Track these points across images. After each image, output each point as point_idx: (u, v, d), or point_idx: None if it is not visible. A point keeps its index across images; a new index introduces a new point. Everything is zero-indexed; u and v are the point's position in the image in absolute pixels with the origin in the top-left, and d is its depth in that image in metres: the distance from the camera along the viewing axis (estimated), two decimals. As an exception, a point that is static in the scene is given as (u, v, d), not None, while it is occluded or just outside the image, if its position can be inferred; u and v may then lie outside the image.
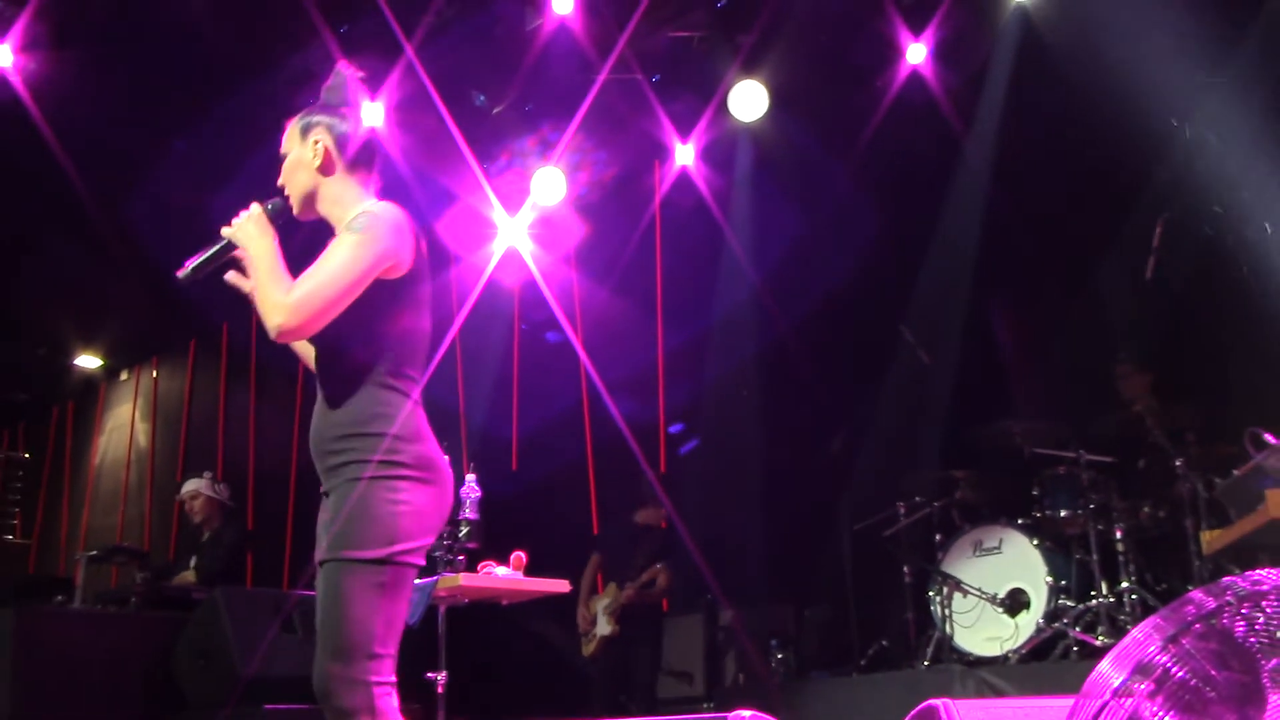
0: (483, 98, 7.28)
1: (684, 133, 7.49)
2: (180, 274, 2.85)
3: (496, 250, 8.07)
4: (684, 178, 7.68)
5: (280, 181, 2.91)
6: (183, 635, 5.10)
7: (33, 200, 7.68)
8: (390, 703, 2.59)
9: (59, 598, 5.56)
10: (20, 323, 9.90)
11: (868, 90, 7.00)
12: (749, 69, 6.98)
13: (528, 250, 8.10)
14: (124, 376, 11.53)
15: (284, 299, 2.62)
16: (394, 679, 2.62)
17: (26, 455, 10.86)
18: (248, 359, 9.70)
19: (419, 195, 7.67)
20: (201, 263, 2.84)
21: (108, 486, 11.31)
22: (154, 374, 11.14)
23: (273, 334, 2.63)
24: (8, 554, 7.79)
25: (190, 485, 6.81)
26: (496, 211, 7.89)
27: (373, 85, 6.96)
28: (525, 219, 8.01)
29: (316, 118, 2.93)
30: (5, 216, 7.90)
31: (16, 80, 6.52)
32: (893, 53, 6.80)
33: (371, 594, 2.57)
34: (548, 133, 7.42)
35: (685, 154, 7.59)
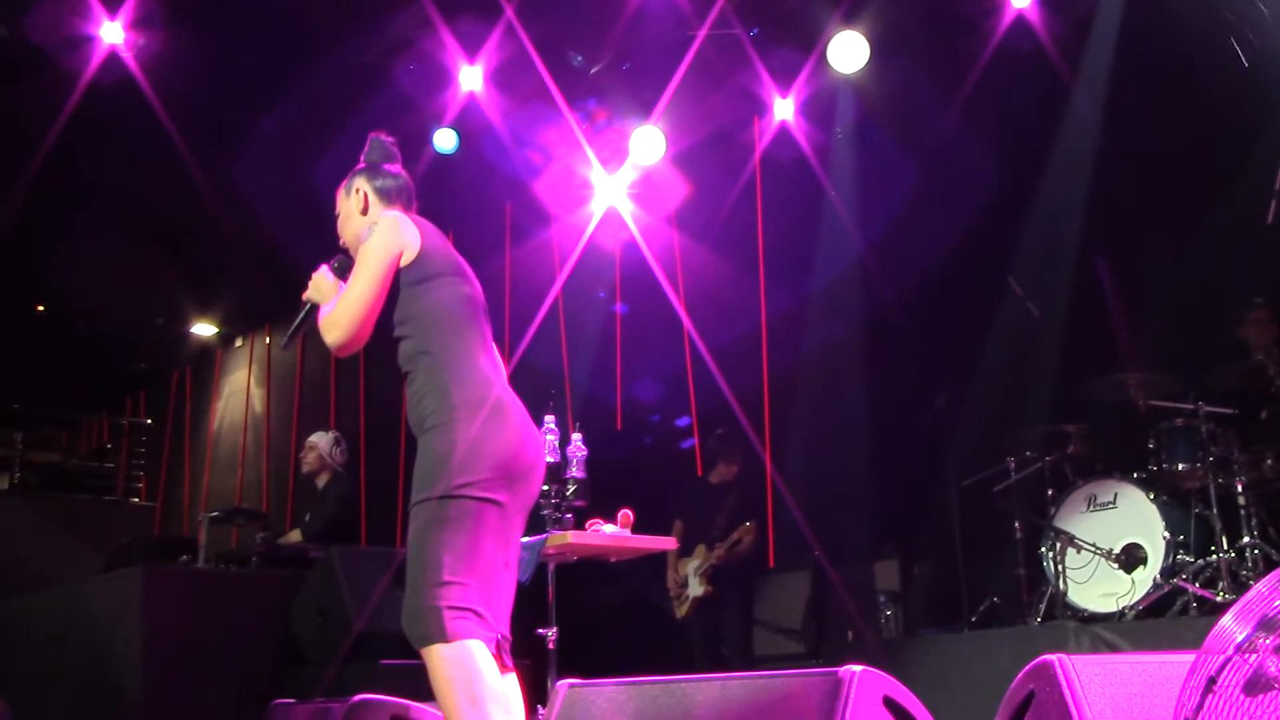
0: (580, 58, 7.27)
1: (784, 87, 7.40)
2: (283, 345, 3.65)
3: (596, 210, 8.08)
4: (784, 133, 7.59)
5: (341, 240, 3.39)
6: (300, 593, 5.23)
7: (147, 174, 7.90)
8: (466, 626, 2.78)
9: (184, 557, 5.74)
10: (138, 293, 10.21)
11: (971, 38, 6.82)
12: (849, 19, 6.85)
13: (628, 210, 8.09)
14: (239, 343, 11.84)
15: (330, 318, 3.10)
16: (472, 607, 2.80)
17: (149, 421, 11.24)
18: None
19: (517, 157, 7.71)
20: (294, 330, 3.42)
21: (226, 450, 11.65)
22: (267, 340, 11.42)
23: (333, 350, 3.14)
24: (134, 515, 8.06)
25: (314, 437, 6.99)
26: (595, 171, 7.89)
27: (471, 48, 7.00)
28: (625, 178, 8.00)
29: (355, 178, 3.41)
30: (120, 191, 8.14)
31: (128, 56, 6.68)
32: (996, -5, 6.62)
33: (435, 528, 2.85)
34: (646, 91, 7.38)
35: (785, 109, 7.50)
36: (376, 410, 9.51)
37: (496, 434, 2.96)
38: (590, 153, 7.69)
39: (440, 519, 2.85)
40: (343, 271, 3.25)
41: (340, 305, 3.07)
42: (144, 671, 4.82)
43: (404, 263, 3.10)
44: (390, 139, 3.51)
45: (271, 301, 10.69)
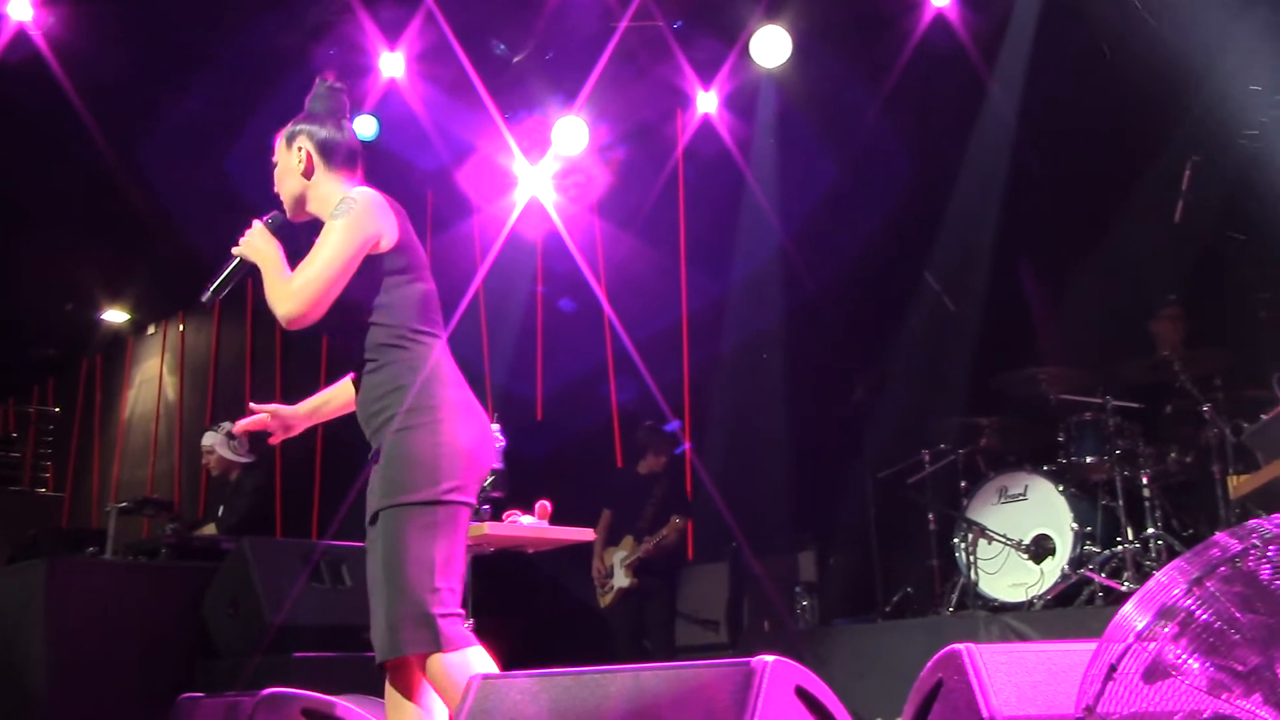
0: (503, 46, 7.23)
1: (706, 80, 7.43)
2: (204, 298, 3.17)
3: (518, 201, 8.04)
4: (707, 126, 7.62)
5: (275, 190, 3.16)
6: (212, 585, 5.15)
7: (56, 156, 7.70)
8: (457, 629, 2.77)
9: (90, 549, 5.62)
10: (47, 278, 9.96)
11: (892, 35, 6.90)
12: (771, 14, 6.89)
13: (550, 201, 8.07)
14: (151, 331, 11.61)
15: (287, 288, 2.89)
16: (459, 610, 2.80)
17: (57, 409, 10.98)
18: (271, 311, 9.75)
19: (439, 146, 7.64)
20: (220, 284, 3.13)
21: (137, 440, 11.42)
22: (180, 328, 11.21)
23: (283, 322, 2.89)
24: (40, 506, 7.88)
25: (206, 440, 6.85)
26: (518, 162, 7.86)
27: (392, 35, 6.92)
28: (547, 169, 7.97)
29: (299, 127, 3.15)
30: (29, 172, 7.93)
31: (37, 34, 6.51)
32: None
33: (426, 534, 2.77)
34: (568, 81, 7.36)
35: (708, 102, 7.52)
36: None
37: (473, 437, 2.90)
38: (512, 142, 7.65)
39: (429, 524, 2.78)
40: (278, 227, 3.07)
41: (301, 278, 2.87)
42: (48, 666, 4.71)
43: (381, 249, 2.93)
44: (339, 85, 3.26)
45: (185, 288, 10.48)
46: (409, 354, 2.92)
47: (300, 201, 3.10)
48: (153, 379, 11.34)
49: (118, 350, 11.96)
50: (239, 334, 10.31)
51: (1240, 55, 5.64)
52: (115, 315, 11.46)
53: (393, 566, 2.76)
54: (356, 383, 3.02)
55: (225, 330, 10.60)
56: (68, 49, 6.62)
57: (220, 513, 6.67)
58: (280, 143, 3.16)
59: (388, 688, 2.90)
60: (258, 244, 3.02)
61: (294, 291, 2.87)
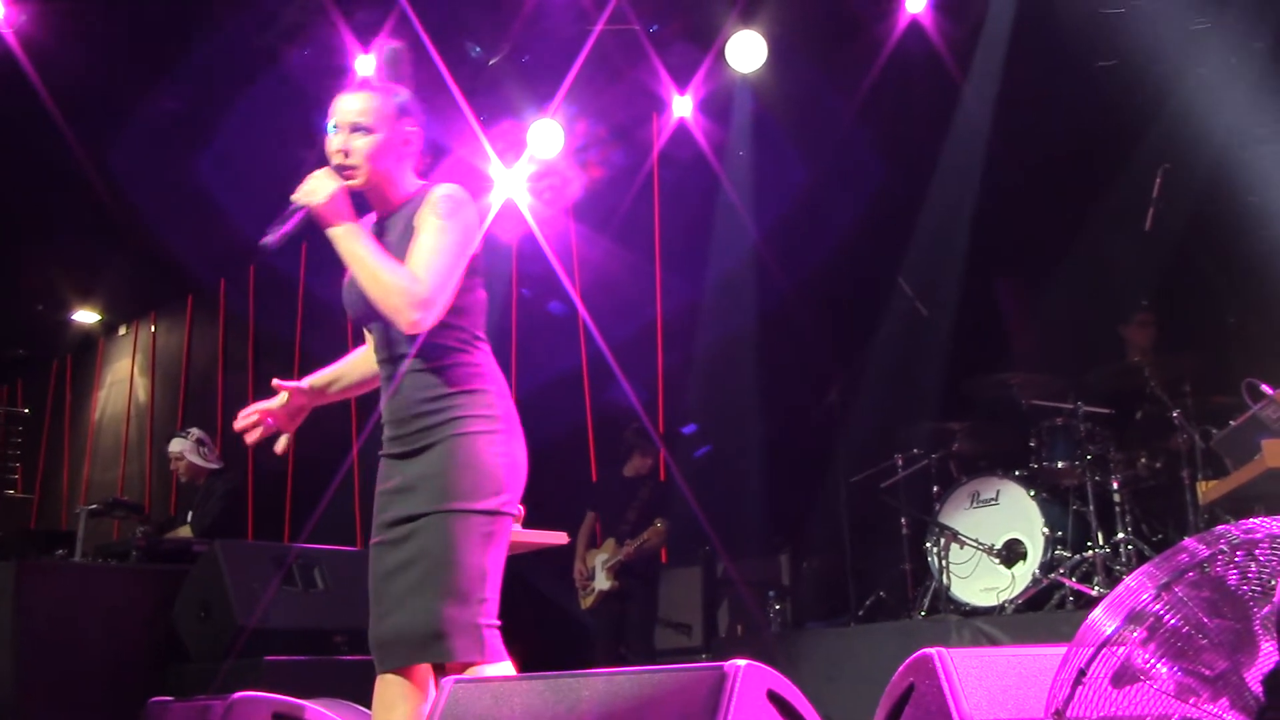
0: (478, 49, 7.22)
1: (682, 84, 7.44)
2: (272, 245, 2.83)
3: (494, 204, 8.03)
4: (682, 130, 7.63)
5: (344, 148, 2.84)
6: (183, 588, 5.12)
7: (27, 156, 7.64)
8: (496, 640, 2.73)
9: (60, 551, 5.58)
10: (17, 278, 9.88)
11: (867, 41, 6.94)
12: (746, 19, 6.91)
13: (525, 203, 8.06)
14: (122, 331, 11.53)
15: (417, 291, 2.68)
16: (499, 621, 2.75)
17: (26, 410, 10.88)
18: (246, 313, 9.69)
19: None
20: (286, 234, 2.82)
21: (108, 441, 11.34)
22: (152, 329, 11.14)
23: (408, 327, 2.70)
24: (9, 508, 7.79)
25: (174, 446, 6.81)
26: (493, 164, 7.85)
27: (366, 37, 6.90)
28: (522, 172, 7.96)
29: (410, 104, 2.95)
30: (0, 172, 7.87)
31: (7, 32, 6.46)
32: (892, 2, 6.74)
33: (481, 543, 2.71)
34: (544, 84, 7.36)
35: (683, 106, 7.54)
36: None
37: (524, 453, 2.89)
38: (487, 145, 7.64)
39: (486, 534, 2.72)
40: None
41: (432, 280, 2.68)
42: (17, 669, 4.66)
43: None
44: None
45: (157, 289, 10.43)
46: (472, 360, 2.84)
47: (387, 179, 2.88)
48: (124, 380, 11.27)
49: (88, 351, 11.87)
50: (211, 336, 10.25)
51: (1209, 65, 5.69)
52: (86, 316, 11.37)
53: (444, 571, 2.69)
54: (383, 375, 2.90)
55: (197, 332, 10.54)
56: (39, 48, 6.58)
57: (191, 517, 6.63)
58: (383, 107, 2.88)
59: (380, 690, 2.81)
60: (326, 192, 2.77)
61: (428, 297, 2.68)
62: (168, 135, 7.20)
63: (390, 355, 2.86)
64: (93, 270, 10.18)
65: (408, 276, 2.69)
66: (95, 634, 4.91)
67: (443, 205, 2.79)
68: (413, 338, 2.78)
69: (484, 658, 2.69)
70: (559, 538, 4.85)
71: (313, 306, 9.09)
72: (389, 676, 2.78)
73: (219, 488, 6.66)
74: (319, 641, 5.08)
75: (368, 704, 3.32)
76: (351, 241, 2.76)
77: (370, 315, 2.84)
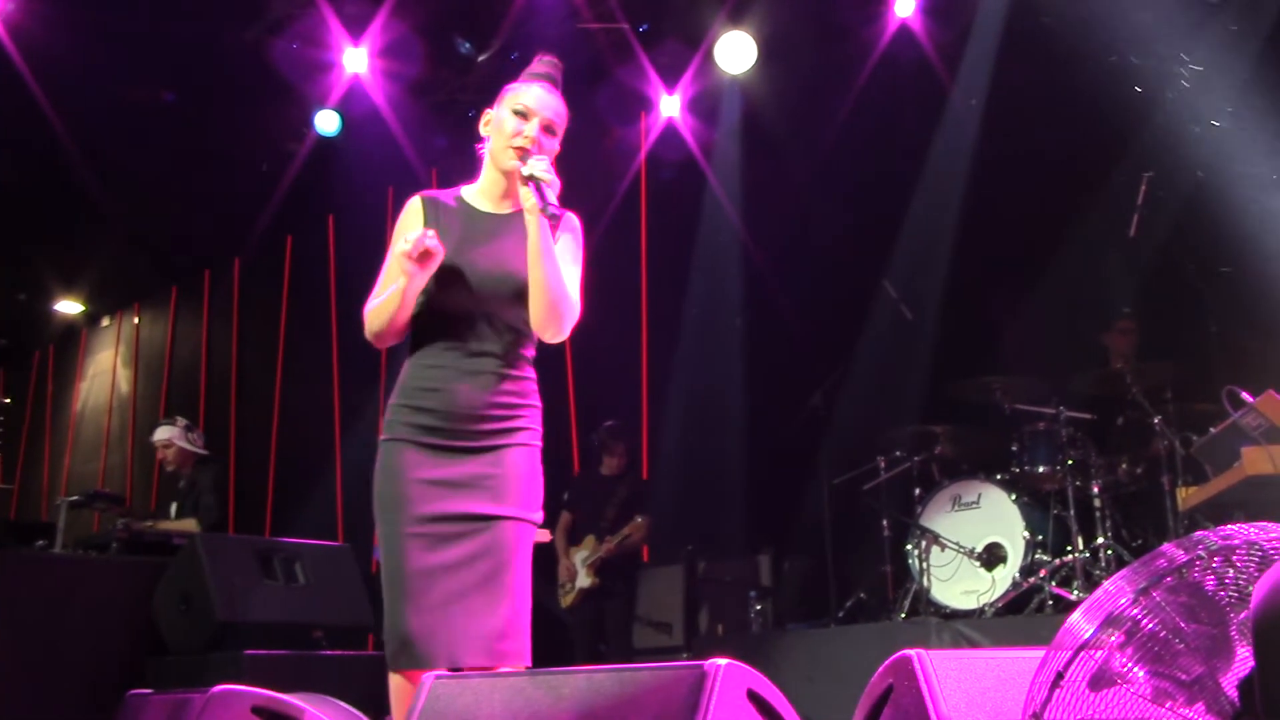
0: (468, 45, 7.21)
1: (670, 84, 7.45)
2: (548, 211, 2.83)
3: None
4: (671, 130, 7.64)
5: (538, 141, 2.93)
6: (163, 581, 5.11)
7: (11, 145, 7.61)
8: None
9: (40, 543, 5.56)
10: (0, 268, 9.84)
11: (856, 44, 6.95)
12: (736, 20, 6.92)
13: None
14: (105, 322, 11.48)
15: (577, 310, 2.91)
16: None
17: (7, 400, 10.84)
18: (230, 306, 9.66)
19: (403, 142, 7.61)
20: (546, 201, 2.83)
21: (89, 433, 11.29)
22: (135, 320, 11.09)
23: (554, 336, 2.88)
24: (-12, 499, 7.78)
25: (162, 434, 6.78)
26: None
27: (356, 31, 6.89)
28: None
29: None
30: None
31: (-4, 23, 6.44)
32: (881, 5, 6.76)
33: (528, 553, 2.86)
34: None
35: (671, 105, 7.54)
36: (249, 394, 9.32)
37: None
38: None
39: (530, 544, 2.87)
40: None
41: (572, 293, 2.88)
42: (-5, 660, 4.66)
43: None
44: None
45: (141, 280, 10.39)
46: (534, 375, 2.95)
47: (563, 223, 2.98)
48: (106, 371, 11.22)
49: (71, 342, 11.82)
50: (195, 327, 10.21)
51: (1195, 72, 5.72)
52: (69, 306, 11.32)
53: (520, 578, 2.79)
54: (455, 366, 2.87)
55: (181, 323, 10.50)
56: (26, 37, 6.55)
57: (177, 509, 6.61)
58: (566, 117, 3.04)
59: (405, 687, 2.77)
60: (545, 174, 2.84)
61: (570, 309, 2.88)
62: (153, 126, 7.18)
63: (476, 350, 2.86)
64: (76, 261, 10.14)
65: (575, 294, 2.89)
66: (74, 626, 4.90)
67: (572, 223, 2.98)
68: (505, 341, 2.87)
69: (530, 662, 2.78)
70: (542, 535, 4.86)
71: (297, 298, 9.06)
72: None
73: (207, 480, 6.65)
74: (299, 636, 5.08)
75: (348, 699, 3.33)
76: (548, 236, 2.84)
77: (504, 303, 2.86)
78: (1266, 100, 5.41)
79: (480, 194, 3.02)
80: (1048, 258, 6.61)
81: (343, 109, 7.48)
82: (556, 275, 2.83)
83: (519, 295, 2.86)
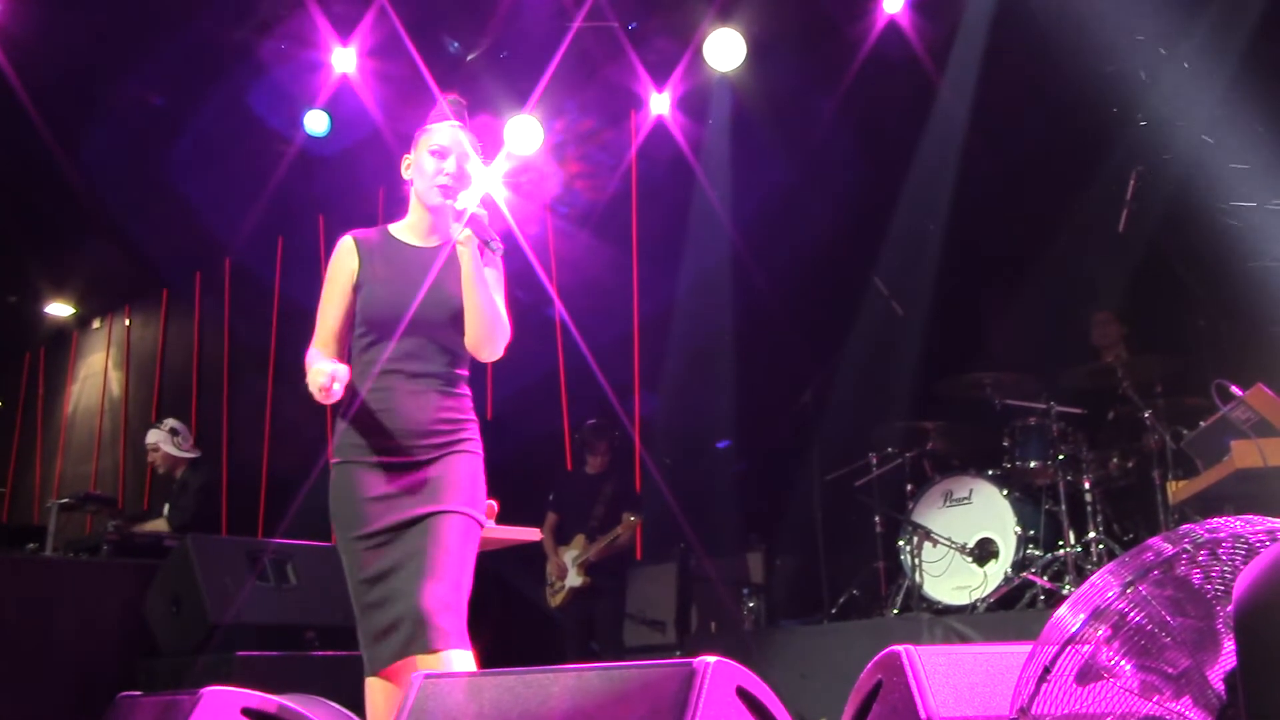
0: (457, 44, 7.21)
1: (660, 82, 7.44)
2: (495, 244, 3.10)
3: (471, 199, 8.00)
4: (660, 127, 7.63)
5: (462, 174, 3.22)
6: (155, 583, 5.11)
7: (2, 148, 7.59)
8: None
9: (31, 545, 5.55)
10: (-10, 270, 9.82)
11: (845, 41, 6.95)
12: (725, 18, 6.92)
13: (503, 200, 8.04)
14: (96, 325, 11.45)
15: (507, 323, 3.11)
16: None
17: (-1, 403, 10.82)
18: (221, 308, 9.64)
19: (391, 142, 7.60)
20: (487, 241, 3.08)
21: (81, 435, 11.27)
22: (126, 322, 11.07)
23: (490, 356, 3.09)
24: (-20, 502, 7.76)
25: (150, 437, 6.78)
26: (471, 160, 7.82)
27: (344, 30, 6.88)
28: (500, 168, 7.95)
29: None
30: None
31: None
32: (870, 2, 6.76)
33: (472, 548, 3.00)
34: (522, 80, 7.35)
35: (661, 103, 7.54)
36: (241, 396, 9.30)
37: None
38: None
39: (473, 538, 3.01)
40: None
41: (503, 316, 3.10)
42: (-13, 663, 4.65)
43: None
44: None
45: (132, 282, 10.36)
46: (470, 393, 3.13)
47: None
48: (97, 374, 11.19)
49: (62, 344, 11.79)
50: (186, 329, 10.19)
51: (1182, 69, 5.73)
52: (60, 309, 11.29)
53: (454, 562, 2.91)
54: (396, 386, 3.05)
55: (172, 326, 10.47)
56: (13, 39, 6.53)
57: (167, 510, 6.61)
58: (469, 140, 3.24)
59: (377, 686, 2.96)
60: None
61: (503, 332, 3.09)
62: (143, 128, 7.16)
63: (418, 372, 3.04)
64: (67, 263, 10.11)
65: (505, 316, 3.09)
66: (66, 628, 4.89)
67: (495, 255, 3.12)
68: (443, 362, 3.05)
69: (466, 646, 2.88)
70: (531, 534, 4.85)
71: (288, 301, 9.05)
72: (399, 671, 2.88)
73: (194, 482, 6.64)
74: (291, 637, 5.07)
75: (339, 700, 3.33)
76: (480, 265, 3.05)
77: (441, 328, 3.04)
78: (1252, 96, 5.42)
79: (409, 229, 3.24)
80: (1037, 253, 6.62)
81: (331, 109, 7.47)
82: (490, 300, 3.05)
83: (454, 320, 3.06)
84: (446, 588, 2.87)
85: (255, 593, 5.02)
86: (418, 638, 2.81)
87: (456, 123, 3.25)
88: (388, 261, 3.12)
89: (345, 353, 3.11)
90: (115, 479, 10.45)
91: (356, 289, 3.09)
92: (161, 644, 5.02)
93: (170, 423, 6.86)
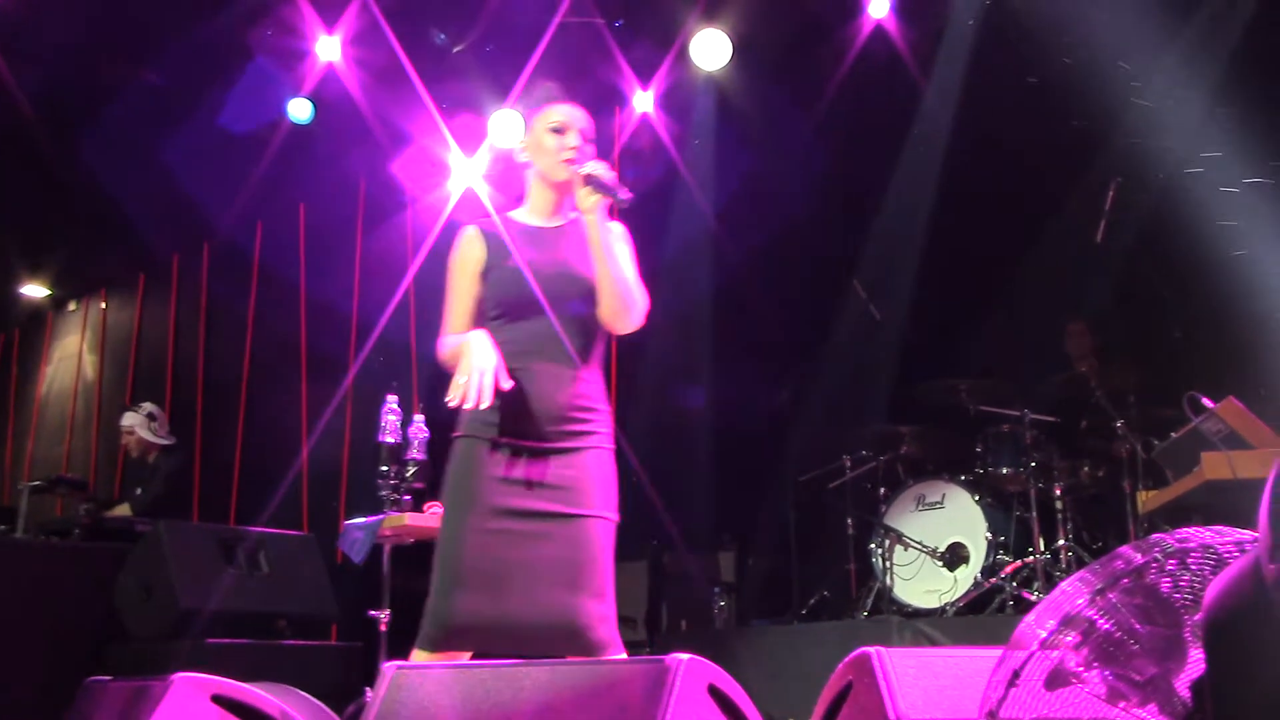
0: (443, 36, 7.19)
1: (645, 80, 7.45)
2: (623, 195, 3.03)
3: (453, 192, 8.00)
4: (644, 126, 7.63)
5: (583, 152, 3.17)
6: (125, 567, 5.08)
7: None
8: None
9: (2, 527, 5.51)
10: (-37, 250, 9.73)
11: (830, 44, 6.97)
12: (711, 17, 6.93)
13: (485, 193, 8.03)
14: (72, 307, 11.36)
15: (643, 291, 3.05)
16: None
17: (-31, 384, 10.73)
18: (198, 293, 9.58)
19: (376, 132, 7.58)
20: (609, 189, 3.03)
21: (53, 418, 11.18)
22: (102, 305, 10.99)
23: (628, 328, 3.03)
24: (-51, 483, 7.70)
25: (126, 420, 6.75)
26: (453, 152, 7.81)
27: (330, 19, 6.85)
28: (482, 161, 7.93)
29: None
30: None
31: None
32: (856, 5, 6.78)
33: (611, 552, 3.01)
34: (506, 74, 7.33)
35: (645, 101, 7.55)
36: (217, 382, 9.25)
37: None
38: (447, 133, 7.60)
39: (613, 541, 3.02)
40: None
41: (637, 284, 3.04)
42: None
43: None
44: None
45: (108, 265, 10.29)
46: (602, 376, 3.10)
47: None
48: (72, 356, 11.10)
49: (36, 326, 11.69)
50: (163, 313, 10.12)
51: (1164, 81, 5.78)
52: (35, 290, 11.20)
53: (599, 569, 2.94)
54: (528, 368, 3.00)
55: (149, 309, 10.40)
56: (-6, 17, 6.48)
57: (137, 492, 6.58)
58: (585, 119, 3.24)
59: None
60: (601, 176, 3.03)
61: (643, 294, 3.04)
62: (122, 110, 7.11)
63: (551, 353, 3.00)
64: (43, 244, 10.03)
65: (639, 284, 3.03)
66: (35, 612, 4.86)
67: (629, 241, 3.12)
68: (577, 343, 3.01)
69: (622, 649, 2.93)
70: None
71: (267, 285, 9.01)
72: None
73: (164, 467, 6.61)
74: (262, 625, 5.06)
75: (310, 689, 3.32)
76: (609, 234, 3.03)
77: (573, 306, 3.00)
78: (1233, 109, 5.47)
79: (530, 212, 3.22)
80: (1016, 261, 6.65)
81: (316, 97, 7.44)
82: (621, 271, 3.00)
83: (587, 297, 3.02)
84: (603, 602, 2.92)
85: (227, 580, 5.01)
86: (557, 646, 2.85)
87: (570, 102, 3.26)
88: (514, 244, 3.10)
89: None
90: (87, 462, 10.38)
91: (484, 275, 3.07)
92: (132, 629, 4.99)
93: (148, 407, 6.82)
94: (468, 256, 3.12)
